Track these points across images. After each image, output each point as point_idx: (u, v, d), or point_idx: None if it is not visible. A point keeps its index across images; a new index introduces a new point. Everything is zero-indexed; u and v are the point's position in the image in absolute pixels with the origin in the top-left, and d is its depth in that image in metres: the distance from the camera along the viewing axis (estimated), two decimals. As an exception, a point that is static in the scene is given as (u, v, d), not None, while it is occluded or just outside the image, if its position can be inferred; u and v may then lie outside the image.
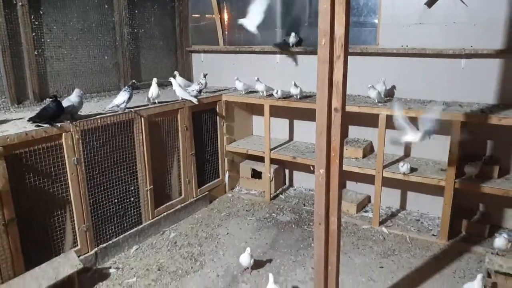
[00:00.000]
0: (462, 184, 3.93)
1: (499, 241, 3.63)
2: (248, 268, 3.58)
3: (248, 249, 3.53)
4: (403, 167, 4.10)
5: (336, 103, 2.55)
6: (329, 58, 2.44)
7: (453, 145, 3.85)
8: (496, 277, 3.31)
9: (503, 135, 4.10)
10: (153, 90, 4.18)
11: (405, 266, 3.67)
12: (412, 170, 4.17)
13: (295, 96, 4.67)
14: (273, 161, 5.01)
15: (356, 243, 4.08)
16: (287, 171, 5.56)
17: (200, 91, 4.76)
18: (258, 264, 3.69)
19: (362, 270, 3.63)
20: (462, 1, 4.10)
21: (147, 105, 4.15)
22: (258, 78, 4.82)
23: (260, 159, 5.10)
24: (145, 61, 5.33)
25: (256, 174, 5.36)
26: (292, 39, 4.98)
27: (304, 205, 4.95)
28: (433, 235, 4.18)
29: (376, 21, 4.63)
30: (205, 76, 4.87)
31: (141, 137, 4.01)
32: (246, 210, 4.83)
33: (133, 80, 4.35)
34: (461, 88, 4.25)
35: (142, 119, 3.99)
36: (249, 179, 5.40)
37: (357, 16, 4.75)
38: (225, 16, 5.62)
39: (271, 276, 3.16)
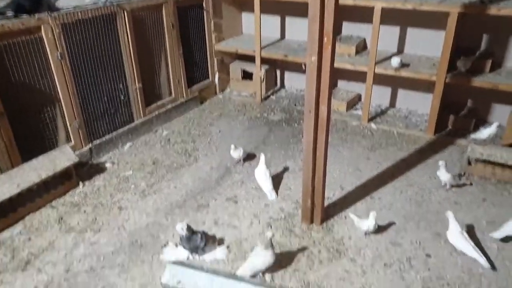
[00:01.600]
0: (453, 78, 4.03)
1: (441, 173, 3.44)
2: (240, 160, 3.80)
3: (232, 145, 3.75)
4: (395, 62, 4.15)
5: (329, -14, 2.51)
6: None
7: (448, 39, 3.86)
8: (476, 164, 3.59)
9: (500, 28, 4.10)
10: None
11: (391, 158, 3.92)
12: (404, 65, 4.23)
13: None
14: (264, 61, 5.01)
15: (345, 138, 4.29)
16: (278, 72, 5.58)
17: None
18: (250, 157, 3.91)
19: (350, 161, 3.88)
20: None
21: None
22: None
23: (251, 59, 5.08)
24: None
25: (247, 75, 5.38)
26: None
27: (295, 105, 5.08)
28: (420, 130, 4.39)
29: None
30: None
31: (125, 33, 3.93)
32: (238, 111, 4.95)
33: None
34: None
35: (125, 13, 3.88)
36: (240, 80, 5.44)
37: None
38: None
39: (262, 156, 3.42)
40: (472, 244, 2.65)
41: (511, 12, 3.58)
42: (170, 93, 4.67)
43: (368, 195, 3.36)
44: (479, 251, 2.63)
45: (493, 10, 3.65)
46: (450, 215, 2.75)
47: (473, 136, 4.12)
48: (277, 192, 3.42)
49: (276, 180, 3.55)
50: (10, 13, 3.19)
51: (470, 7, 3.74)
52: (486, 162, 3.52)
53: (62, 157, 3.39)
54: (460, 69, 4.06)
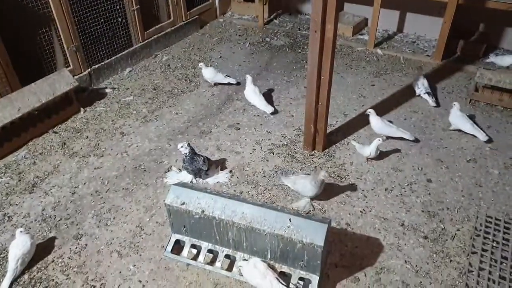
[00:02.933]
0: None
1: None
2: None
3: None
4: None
5: None
6: None
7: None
8: (483, 91, 3.42)
9: None
10: None
11: (396, 84, 3.74)
12: (416, -14, 3.87)
13: None
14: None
15: (349, 64, 4.07)
16: (282, -6, 5.17)
17: None
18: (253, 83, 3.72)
19: (354, 88, 3.70)
20: None
21: None
22: None
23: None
24: None
25: (249, -2, 5.00)
26: None
27: (299, 29, 4.77)
28: (427, 55, 4.15)
29: None
30: None
31: None
32: (239, 35, 4.66)
33: None
34: None
35: None
36: (241, 3, 5.06)
37: None
38: None
39: (248, 77, 3.31)
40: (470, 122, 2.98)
41: None
42: (169, 16, 4.35)
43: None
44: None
45: None
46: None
47: (492, 59, 3.90)
48: (273, 106, 3.37)
49: (279, 108, 3.42)
50: None
51: None
52: (494, 88, 3.35)
53: (61, 81, 3.23)
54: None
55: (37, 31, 3.24)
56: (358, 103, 3.50)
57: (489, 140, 2.97)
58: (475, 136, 2.99)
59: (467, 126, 3.00)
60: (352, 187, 2.62)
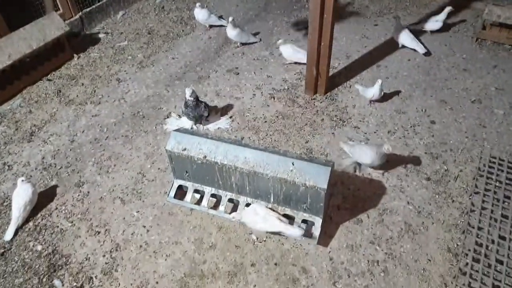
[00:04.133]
0: None
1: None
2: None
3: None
4: None
5: None
6: None
7: None
8: (491, 29, 3.21)
9: None
10: None
11: (401, 22, 3.51)
12: None
13: None
14: None
15: (352, 2, 3.81)
16: None
17: None
18: (250, 25, 3.51)
19: (357, 28, 3.49)
20: None
21: None
22: None
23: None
24: None
25: None
26: None
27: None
28: (433, -8, 3.86)
29: None
30: None
31: None
32: (236, -26, 4.33)
33: None
34: None
35: None
36: None
37: None
38: None
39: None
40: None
41: None
42: (161, -46, 4.01)
43: (374, 63, 3.08)
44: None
45: None
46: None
47: None
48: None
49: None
50: None
51: None
52: (503, 25, 3.14)
53: (51, 26, 3.02)
54: None
55: (20, -29, 2.99)
56: (361, 44, 3.31)
57: (427, 53, 3.09)
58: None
59: (408, 40, 3.14)
60: (354, 130, 2.53)
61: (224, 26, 3.42)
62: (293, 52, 3.04)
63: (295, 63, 3.09)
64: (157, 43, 3.35)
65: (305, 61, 2.83)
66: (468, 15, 3.58)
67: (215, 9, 3.71)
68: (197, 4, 3.38)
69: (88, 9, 3.45)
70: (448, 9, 3.24)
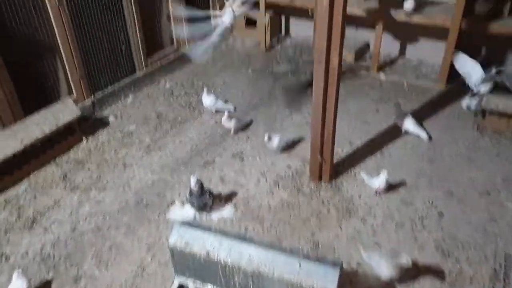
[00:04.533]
0: (468, 23, 3.60)
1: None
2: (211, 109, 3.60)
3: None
4: (408, 4, 3.70)
5: None
6: None
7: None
8: (490, 117, 3.28)
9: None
10: None
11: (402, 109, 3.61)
12: (417, 10, 3.77)
13: None
14: (268, 6, 4.53)
15: (352, 90, 3.95)
16: (283, 18, 5.09)
17: None
18: (255, 111, 3.62)
19: (358, 114, 3.58)
20: None
21: None
22: None
23: (254, 5, 4.59)
24: None
25: (251, 23, 4.92)
26: None
27: (301, 54, 4.67)
28: (431, 80, 4.03)
29: None
30: None
31: (123, -22, 3.49)
32: (242, 61, 4.57)
33: None
34: None
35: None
36: (243, 28, 4.98)
37: None
38: None
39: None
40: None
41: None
42: (172, 42, 4.27)
43: (378, 150, 3.11)
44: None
45: None
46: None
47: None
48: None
49: (282, 137, 3.28)
50: None
51: None
52: (502, 114, 3.22)
53: (65, 111, 3.12)
54: (479, 13, 3.60)
55: (42, 60, 3.16)
56: (363, 130, 3.37)
57: (430, 139, 3.15)
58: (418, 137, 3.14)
59: (411, 126, 3.20)
60: (362, 222, 2.47)
61: (230, 110, 3.54)
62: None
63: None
64: (165, 127, 3.43)
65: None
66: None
67: (221, 95, 3.85)
68: (205, 89, 3.51)
69: (100, 94, 3.59)
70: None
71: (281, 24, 5.13)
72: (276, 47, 4.87)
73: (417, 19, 3.77)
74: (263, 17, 4.55)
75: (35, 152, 2.96)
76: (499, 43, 3.90)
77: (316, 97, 2.56)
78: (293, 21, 5.05)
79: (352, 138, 3.26)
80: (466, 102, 3.17)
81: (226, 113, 3.28)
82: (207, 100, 3.51)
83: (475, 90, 3.31)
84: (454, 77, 3.93)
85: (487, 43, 4.07)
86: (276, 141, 3.03)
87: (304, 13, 4.56)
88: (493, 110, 3.19)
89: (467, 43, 3.98)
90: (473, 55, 4.07)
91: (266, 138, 3.00)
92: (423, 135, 3.21)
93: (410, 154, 3.05)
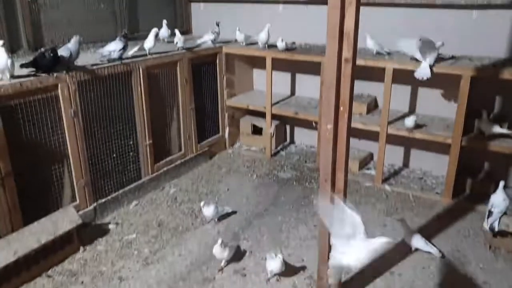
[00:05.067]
0: (469, 141, 3.71)
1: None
2: (214, 220, 3.52)
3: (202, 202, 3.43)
4: (409, 122, 3.86)
5: (347, 53, 2.29)
6: (340, 4, 2.16)
7: (462, 101, 3.59)
8: (503, 237, 3.17)
9: (513, 91, 3.83)
10: (150, 41, 3.85)
11: (408, 225, 3.52)
12: (418, 126, 3.93)
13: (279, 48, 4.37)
14: (274, 116, 4.76)
15: (359, 201, 3.92)
16: (288, 127, 5.32)
17: (214, 41, 4.54)
18: (259, 220, 3.55)
19: (366, 228, 3.46)
20: None
21: (145, 55, 3.84)
22: (238, 28, 4.65)
23: (261, 114, 4.84)
24: (143, 10, 4.92)
25: (257, 130, 5.13)
26: None
27: (306, 162, 4.76)
28: (436, 193, 4.02)
29: (386, -32, 4.20)
30: (218, 24, 4.57)
31: (139, 90, 3.73)
32: (247, 167, 4.64)
33: (124, 30, 3.97)
34: (471, 41, 3.91)
35: (141, 70, 3.70)
36: (250, 135, 5.17)
37: (366, -37, 4.30)
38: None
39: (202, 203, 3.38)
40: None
41: (526, 77, 3.34)
42: (180, 149, 4.39)
43: (387, 270, 2.95)
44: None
45: (506, 75, 3.42)
46: None
47: None
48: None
49: (287, 251, 3.17)
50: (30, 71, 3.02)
51: (483, 71, 3.51)
52: (512, 234, 3.13)
53: (65, 219, 3.06)
54: (481, 131, 3.72)
55: (49, 167, 3.21)
56: (370, 245, 3.24)
57: (442, 256, 3.02)
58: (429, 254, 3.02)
59: (421, 243, 3.11)
60: None
61: (231, 213, 3.53)
62: (216, 212, 3.42)
63: (219, 219, 3.53)
64: (165, 237, 3.33)
65: (224, 213, 3.54)
66: (475, 218, 3.60)
67: (225, 202, 3.82)
68: (202, 203, 3.42)
69: (103, 200, 3.57)
70: None
71: (286, 132, 5.34)
72: (281, 153, 4.99)
73: (418, 135, 3.91)
74: (269, 127, 4.74)
75: (28, 263, 2.83)
76: (500, 158, 3.96)
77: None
78: (298, 130, 5.27)
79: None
80: (491, 222, 3.07)
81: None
82: (207, 211, 3.44)
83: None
84: (459, 192, 3.95)
85: (489, 158, 4.15)
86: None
87: (308, 123, 4.76)
88: (504, 230, 3.10)
89: (469, 158, 4.07)
90: (476, 170, 4.15)
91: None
92: (435, 252, 3.08)
93: (421, 275, 2.88)
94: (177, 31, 4.35)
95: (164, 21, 4.55)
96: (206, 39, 4.54)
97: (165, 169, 4.17)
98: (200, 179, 4.33)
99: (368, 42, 4.00)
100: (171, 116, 4.25)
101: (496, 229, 3.07)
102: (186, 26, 5.47)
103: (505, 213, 3.14)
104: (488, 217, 3.11)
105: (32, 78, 2.97)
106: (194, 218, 3.61)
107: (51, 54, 3.01)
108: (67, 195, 3.37)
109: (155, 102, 3.95)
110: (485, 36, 3.86)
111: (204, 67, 4.57)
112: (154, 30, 3.91)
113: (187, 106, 4.32)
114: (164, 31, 4.51)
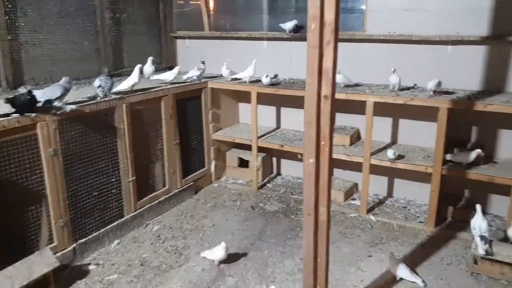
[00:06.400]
0: (449, 170, 3.77)
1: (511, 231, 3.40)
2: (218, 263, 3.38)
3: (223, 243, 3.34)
4: (391, 154, 3.91)
5: (325, 90, 2.33)
6: (318, 44, 2.22)
7: (440, 132, 3.68)
8: (483, 263, 3.18)
9: (488, 121, 3.95)
10: (134, 77, 3.88)
11: (395, 255, 3.49)
12: (400, 157, 3.98)
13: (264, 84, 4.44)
14: (260, 149, 4.78)
15: (344, 232, 3.89)
16: (274, 159, 5.33)
17: (199, 77, 4.64)
18: (245, 256, 3.48)
19: (351, 259, 3.45)
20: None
21: (129, 92, 3.85)
22: (225, 63, 4.73)
23: (247, 147, 4.85)
24: (128, 47, 4.99)
25: (243, 163, 5.12)
26: (290, 25, 4.67)
27: (292, 194, 4.75)
28: (420, 222, 4.03)
29: (363, 7, 4.39)
30: (203, 62, 4.69)
31: (122, 126, 3.71)
32: (233, 200, 4.59)
33: (106, 68, 3.96)
34: (447, 75, 4.05)
35: (124, 107, 3.69)
36: (236, 168, 5.16)
37: (344, 2, 4.50)
38: (211, 1, 5.29)
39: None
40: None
41: (497, 108, 3.47)
42: (164, 184, 4.33)
43: (374, 303, 2.90)
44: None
45: (479, 106, 3.53)
46: None
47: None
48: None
49: (274, 285, 3.09)
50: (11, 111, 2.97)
51: (459, 103, 3.63)
52: (493, 260, 3.12)
53: (41, 262, 2.94)
54: (460, 161, 3.77)
55: (27, 208, 3.11)
56: (357, 278, 3.20)
57: (425, 284, 3.07)
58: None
59: (405, 274, 3.11)
60: None
61: (215, 261, 3.37)
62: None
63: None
64: (148, 276, 3.22)
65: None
66: (457, 246, 3.61)
67: (210, 238, 3.75)
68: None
69: (83, 240, 3.45)
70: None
71: (272, 164, 5.34)
72: (268, 186, 4.97)
73: (400, 165, 3.95)
74: (255, 160, 4.75)
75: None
76: (479, 186, 4.01)
77: (307, 252, 2.48)
78: (284, 162, 5.28)
79: (346, 287, 3.06)
80: (483, 247, 3.07)
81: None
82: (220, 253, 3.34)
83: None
84: (442, 219, 3.97)
85: (469, 186, 4.20)
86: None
87: (294, 155, 4.78)
88: (484, 256, 3.10)
89: (450, 186, 4.13)
90: (458, 197, 4.20)
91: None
92: (419, 282, 3.07)
93: (409, 309, 2.83)
94: (177, 68, 4.52)
95: (150, 57, 4.61)
96: (191, 75, 4.62)
97: (148, 205, 4.09)
98: (185, 215, 4.25)
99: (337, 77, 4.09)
100: (155, 151, 4.22)
101: (490, 251, 3.06)
102: (171, 62, 5.55)
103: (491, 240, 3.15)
104: (484, 242, 3.09)
105: (10, 117, 2.90)
106: (178, 256, 3.51)
107: (28, 97, 2.96)
108: (44, 236, 3.23)
109: (139, 138, 3.93)
110: (459, 70, 4.02)
111: (189, 102, 4.61)
112: (138, 67, 3.95)
113: (172, 141, 4.31)
114: (149, 67, 4.56)
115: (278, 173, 5.34)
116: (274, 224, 4.06)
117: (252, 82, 4.60)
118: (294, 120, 4.96)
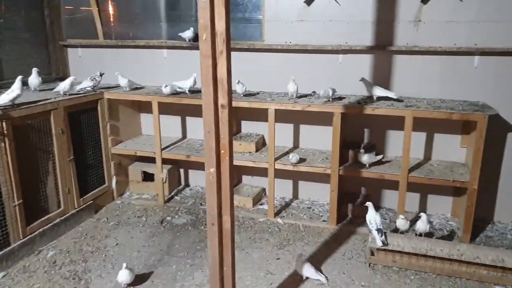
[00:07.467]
0: (345, 170, 4.14)
1: (399, 222, 3.77)
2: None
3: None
4: (293, 158, 4.17)
5: (222, 99, 2.41)
6: (211, 54, 2.29)
7: (335, 135, 4.02)
8: (378, 253, 3.55)
9: (377, 124, 4.44)
10: (15, 89, 3.54)
11: (302, 256, 3.72)
12: (301, 160, 4.26)
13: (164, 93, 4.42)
14: (166, 161, 4.71)
15: (253, 237, 4.02)
16: (182, 170, 5.28)
17: (94, 87, 4.46)
18: (152, 273, 3.39)
19: (260, 264, 3.58)
20: (336, 1, 4.30)
21: (10, 106, 3.51)
22: (120, 73, 4.65)
23: (152, 160, 4.74)
24: (8, 56, 4.54)
25: (148, 177, 4.98)
26: (189, 34, 4.68)
27: (201, 204, 4.75)
28: (323, 221, 4.34)
29: (261, 17, 4.62)
30: (101, 75, 4.51)
31: (3, 145, 3.36)
32: (138, 217, 4.44)
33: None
34: (340, 82, 4.46)
35: (4, 123, 3.35)
36: (140, 182, 4.99)
37: (242, 12, 4.68)
38: (106, 8, 5.08)
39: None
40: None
41: (383, 111, 3.90)
42: (59, 205, 4.01)
43: (282, 304, 3.05)
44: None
45: (368, 110, 3.94)
46: None
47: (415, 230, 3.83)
48: None
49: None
50: None
51: (350, 108, 4.00)
52: (387, 250, 3.51)
53: None
54: (365, 163, 4.13)
55: None
56: (266, 281, 3.33)
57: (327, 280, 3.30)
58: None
59: (310, 272, 3.31)
60: None
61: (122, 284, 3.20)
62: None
63: None
64: (41, 311, 2.96)
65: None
66: (357, 240, 3.97)
67: (114, 258, 3.58)
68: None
69: (-41, 277, 3.05)
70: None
71: (180, 175, 5.28)
72: (176, 198, 4.91)
73: (302, 168, 4.23)
74: (160, 172, 4.66)
75: None
76: (373, 183, 4.49)
77: (212, 262, 2.53)
78: (192, 172, 5.26)
79: (256, 294, 3.18)
80: (380, 239, 3.41)
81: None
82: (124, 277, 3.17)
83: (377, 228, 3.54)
84: (343, 217, 4.34)
85: (364, 184, 4.67)
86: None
87: (202, 165, 4.78)
88: (380, 248, 3.47)
89: (348, 185, 4.54)
90: (355, 196, 4.62)
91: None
92: (322, 279, 3.31)
93: (315, 304, 3.04)
94: (71, 78, 4.21)
95: (34, 69, 4.25)
96: (85, 85, 4.38)
97: (41, 230, 3.74)
98: (84, 236, 3.99)
99: (236, 86, 4.26)
100: (46, 170, 3.89)
101: (386, 242, 3.43)
102: (63, 72, 5.19)
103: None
104: (380, 235, 3.44)
105: None
106: (77, 281, 3.27)
107: None
108: None
109: (25, 157, 3.59)
110: (350, 77, 4.44)
111: (84, 115, 4.35)
112: (19, 78, 3.62)
113: (65, 158, 4.01)
114: (34, 78, 4.21)
115: (187, 184, 5.31)
116: (183, 237, 4.02)
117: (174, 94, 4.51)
118: (200, 130, 4.88)
